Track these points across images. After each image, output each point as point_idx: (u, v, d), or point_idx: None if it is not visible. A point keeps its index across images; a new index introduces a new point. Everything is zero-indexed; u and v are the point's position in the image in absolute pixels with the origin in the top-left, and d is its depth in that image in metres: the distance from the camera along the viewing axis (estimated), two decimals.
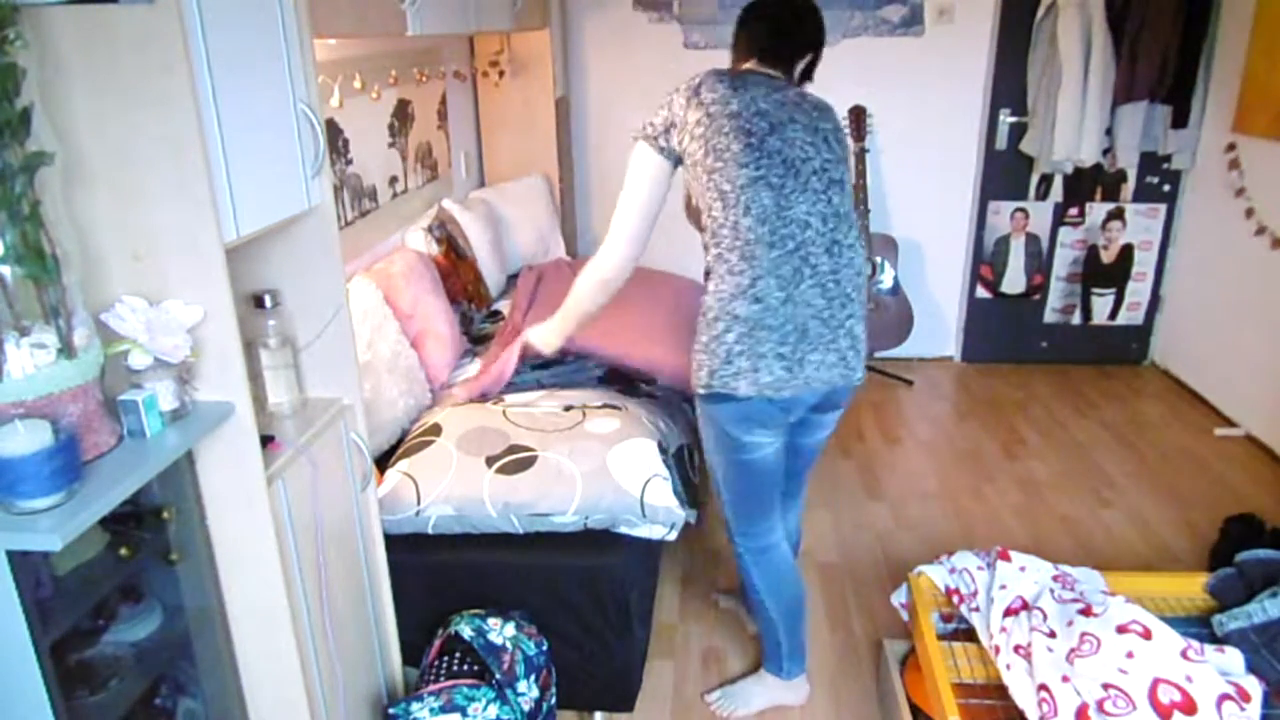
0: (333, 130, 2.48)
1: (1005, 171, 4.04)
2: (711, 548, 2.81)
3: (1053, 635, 1.68)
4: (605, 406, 2.25)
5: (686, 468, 2.23)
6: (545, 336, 2.09)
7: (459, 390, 2.37)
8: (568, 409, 2.23)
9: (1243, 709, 1.51)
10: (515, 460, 2.01)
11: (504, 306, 3.15)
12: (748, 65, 1.86)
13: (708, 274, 1.83)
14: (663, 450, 2.10)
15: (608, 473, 1.99)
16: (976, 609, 1.91)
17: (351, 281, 2.35)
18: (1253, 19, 3.35)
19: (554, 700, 1.96)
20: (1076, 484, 3.19)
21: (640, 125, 1.83)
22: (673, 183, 1.87)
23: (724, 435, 1.87)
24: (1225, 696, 1.52)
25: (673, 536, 2.05)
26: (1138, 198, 4.04)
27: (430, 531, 1.99)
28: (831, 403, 1.91)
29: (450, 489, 1.96)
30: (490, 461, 2.01)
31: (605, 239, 1.91)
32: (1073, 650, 1.62)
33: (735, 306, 1.74)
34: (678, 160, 1.81)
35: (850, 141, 3.93)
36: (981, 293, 4.26)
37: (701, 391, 1.83)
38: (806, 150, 1.75)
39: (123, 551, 1.28)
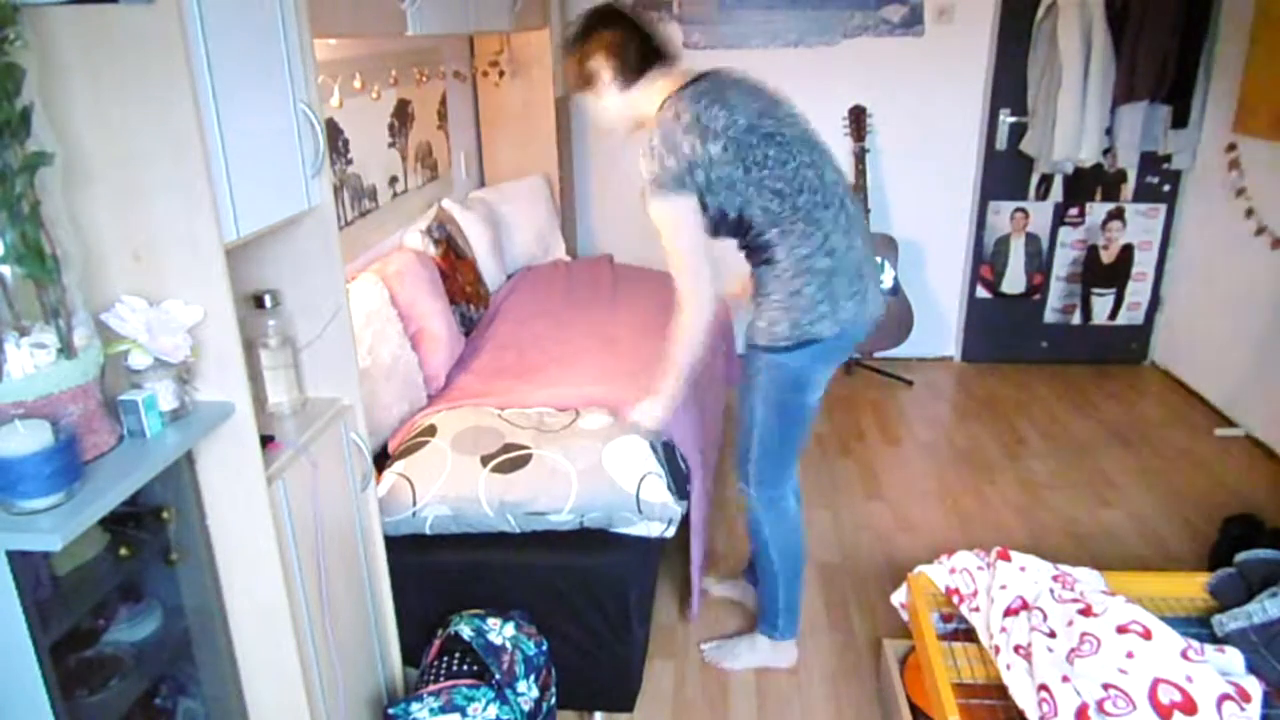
0: (333, 130, 2.48)
1: (1005, 171, 4.03)
2: (709, 549, 2.81)
3: (1053, 635, 1.68)
4: (595, 405, 2.26)
5: (677, 459, 2.23)
6: (653, 413, 2.07)
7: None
8: (562, 409, 2.24)
9: (1243, 709, 1.51)
10: (510, 459, 2.01)
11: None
12: (659, 78, 1.92)
13: (760, 252, 1.94)
14: (653, 447, 2.11)
15: (603, 470, 1.99)
16: (976, 609, 1.91)
17: (356, 280, 2.35)
18: (1252, 19, 3.35)
19: (554, 700, 1.96)
20: (1076, 484, 3.19)
21: (651, 180, 1.84)
22: None
23: (794, 382, 2.00)
24: (1225, 696, 1.52)
25: (670, 533, 2.06)
26: (1138, 198, 4.04)
27: (428, 532, 1.99)
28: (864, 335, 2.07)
29: (445, 489, 1.97)
30: (485, 460, 2.01)
31: (685, 298, 1.93)
32: (1073, 650, 1.62)
33: (813, 262, 1.91)
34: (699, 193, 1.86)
35: (851, 140, 3.94)
36: (981, 293, 4.26)
37: (783, 344, 1.94)
38: (796, 123, 1.93)
39: (123, 551, 1.28)
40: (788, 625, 2.26)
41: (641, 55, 1.91)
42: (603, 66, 1.91)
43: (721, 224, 1.92)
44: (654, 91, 1.91)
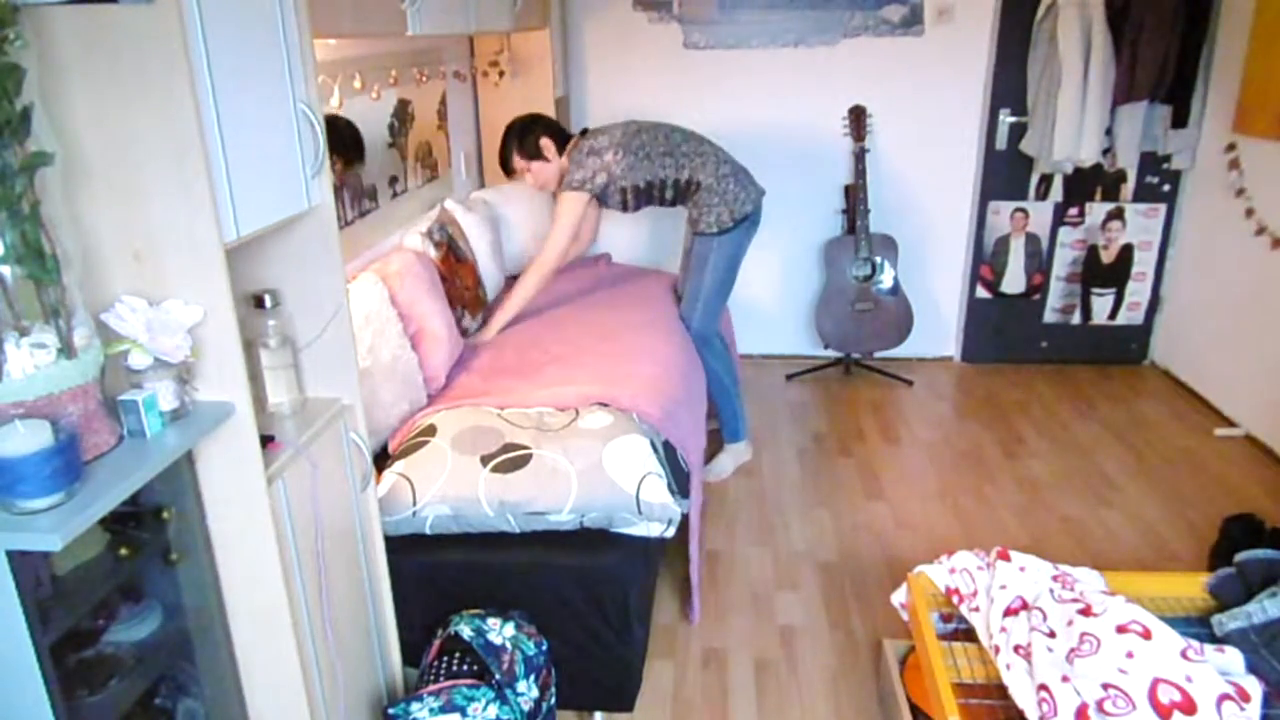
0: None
1: (1005, 171, 4.03)
2: (710, 549, 2.81)
3: (1053, 635, 1.68)
4: (596, 404, 2.26)
5: (678, 459, 2.24)
6: (486, 335, 2.89)
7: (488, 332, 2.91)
8: (562, 409, 2.24)
9: (1242, 709, 1.51)
10: (510, 459, 2.01)
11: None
12: (571, 145, 2.98)
13: (689, 187, 2.97)
14: (654, 447, 2.11)
15: (602, 470, 1.99)
16: (976, 609, 1.91)
17: (356, 280, 2.35)
18: (1252, 19, 3.35)
19: (554, 700, 1.96)
20: (1076, 484, 3.19)
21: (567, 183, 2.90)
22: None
23: (739, 250, 3.02)
24: (1225, 696, 1.52)
25: (670, 534, 2.06)
26: (1137, 198, 4.04)
27: (428, 532, 1.99)
28: None
29: (445, 489, 1.97)
30: (485, 460, 2.01)
31: (551, 254, 2.93)
32: (1073, 650, 1.62)
33: (723, 170, 2.95)
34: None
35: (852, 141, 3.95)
36: (981, 293, 4.26)
37: (729, 225, 2.94)
38: (671, 136, 2.99)
39: (123, 551, 1.28)
40: (744, 427, 3.27)
41: (563, 137, 2.99)
42: (551, 145, 2.97)
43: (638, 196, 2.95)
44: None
